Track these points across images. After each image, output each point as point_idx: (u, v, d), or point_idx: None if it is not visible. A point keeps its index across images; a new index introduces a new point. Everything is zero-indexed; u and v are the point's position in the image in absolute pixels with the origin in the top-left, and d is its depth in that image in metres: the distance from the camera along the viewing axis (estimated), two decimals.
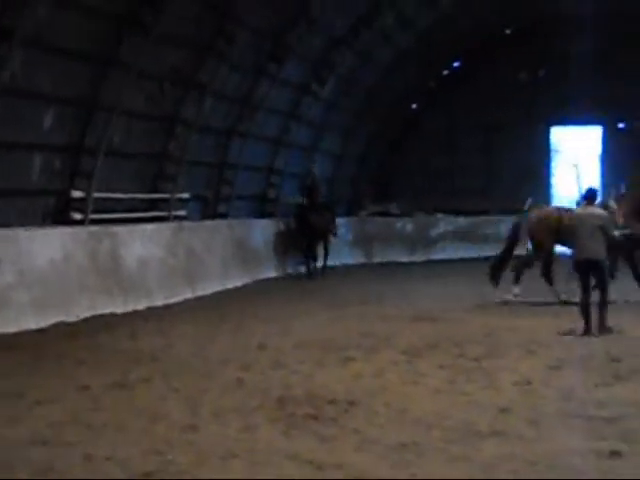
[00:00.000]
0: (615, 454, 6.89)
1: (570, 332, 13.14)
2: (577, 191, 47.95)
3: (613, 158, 34.67)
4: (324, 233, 25.02)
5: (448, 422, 8.07)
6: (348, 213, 30.79)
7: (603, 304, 13.23)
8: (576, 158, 51.36)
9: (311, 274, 24.03)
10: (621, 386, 9.53)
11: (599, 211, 13.77)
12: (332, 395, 9.12)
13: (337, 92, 27.07)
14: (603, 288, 13.27)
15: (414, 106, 35.13)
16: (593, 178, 36.92)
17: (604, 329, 13.09)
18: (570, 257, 14.50)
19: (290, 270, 24.25)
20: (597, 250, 13.16)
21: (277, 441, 7.54)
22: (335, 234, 25.67)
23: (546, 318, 14.97)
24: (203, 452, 7.19)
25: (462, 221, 32.15)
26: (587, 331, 13.06)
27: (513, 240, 18.42)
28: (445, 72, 35.03)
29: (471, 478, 6.45)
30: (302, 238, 24.50)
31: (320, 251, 25.04)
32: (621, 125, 34.64)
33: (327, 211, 25.54)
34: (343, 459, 6.97)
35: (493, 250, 31.08)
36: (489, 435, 7.62)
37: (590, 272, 13.32)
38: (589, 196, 13.76)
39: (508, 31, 33.54)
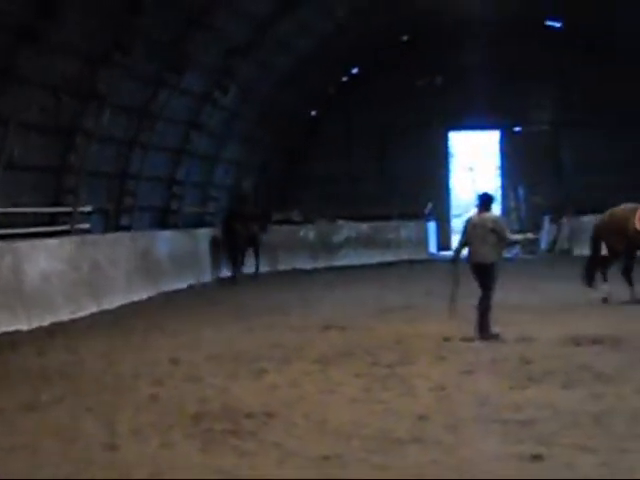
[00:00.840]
0: (537, 458, 6.97)
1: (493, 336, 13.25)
2: (474, 195, 48.53)
3: (510, 161, 35.38)
4: (250, 241, 26.13)
5: (367, 431, 8.07)
6: None
7: (487, 308, 13.39)
8: (472, 162, 52.28)
9: (235, 280, 24.97)
10: (535, 389, 9.67)
11: (492, 215, 13.96)
12: (249, 408, 9.04)
13: (238, 100, 27.03)
14: (489, 292, 13.45)
15: (313, 113, 35.26)
16: (491, 182, 37.62)
17: (487, 334, 13.20)
18: None
19: (194, 281, 24.04)
20: (486, 254, 13.38)
21: (197, 457, 7.45)
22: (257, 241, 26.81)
23: (451, 324, 15.06)
24: (125, 471, 7.06)
25: (364, 227, 32.35)
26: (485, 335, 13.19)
27: (596, 240, 18.57)
28: (344, 78, 35.26)
29: None
30: (228, 246, 25.58)
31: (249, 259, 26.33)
32: (518, 129, 35.34)
33: (256, 220, 26.50)
34: (266, 474, 6.92)
35: (395, 255, 31.68)
36: (409, 442, 7.64)
37: (481, 276, 13.51)
38: (484, 201, 13.84)
39: (405, 37, 33.89)
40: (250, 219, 26.03)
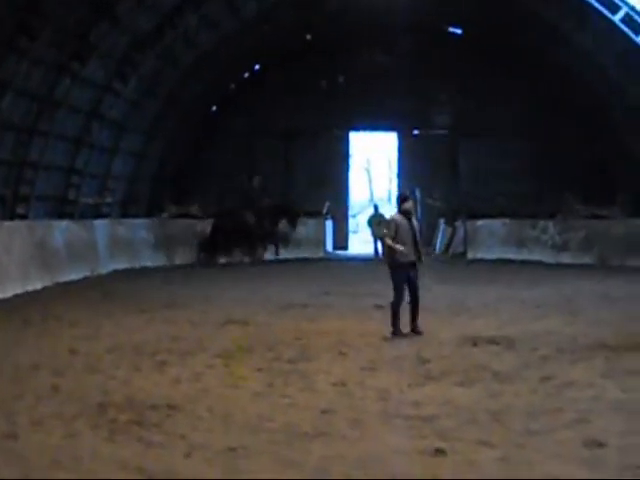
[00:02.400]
0: (439, 452, 7.17)
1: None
2: (369, 195, 49.21)
3: (407, 163, 35.90)
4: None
5: (272, 425, 8.16)
6: (149, 214, 30.49)
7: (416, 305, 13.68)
8: (370, 163, 52.80)
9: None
10: (433, 386, 9.88)
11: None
12: (152, 400, 9.03)
13: (140, 92, 26.80)
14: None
15: (214, 108, 35.16)
16: (388, 183, 37.99)
17: (417, 330, 13.49)
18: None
19: (90, 272, 23.78)
20: (412, 252, 13.63)
21: (102, 448, 7.42)
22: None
23: (351, 321, 15.27)
24: (27, 462, 7.00)
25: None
26: (397, 332, 13.45)
27: None
28: (245, 75, 35.26)
29: None
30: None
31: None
32: (416, 132, 35.87)
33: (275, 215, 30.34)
34: (172, 466, 6.94)
35: (293, 253, 31.85)
36: (314, 437, 7.75)
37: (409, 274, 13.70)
38: (403, 199, 14.04)
39: (309, 37, 34.06)
40: (268, 215, 29.65)
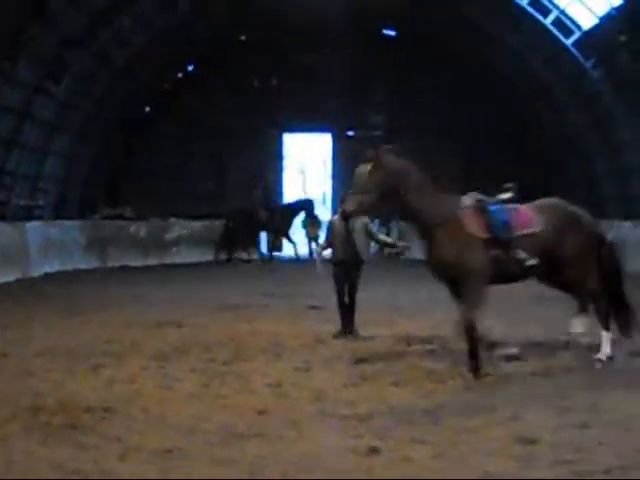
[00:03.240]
0: (374, 451, 7.23)
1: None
2: (304, 196, 49.07)
3: (342, 164, 35.97)
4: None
5: (208, 426, 8.15)
6: (81, 216, 30.19)
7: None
8: (304, 164, 52.76)
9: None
10: (368, 386, 9.95)
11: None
12: (87, 403, 8.95)
13: (72, 92, 26.51)
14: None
15: (148, 109, 34.94)
16: (322, 184, 38.09)
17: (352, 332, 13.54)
18: None
19: (21, 275, 23.49)
20: (350, 252, 13.68)
21: (36, 451, 7.35)
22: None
23: (287, 322, 15.29)
24: None
25: (196, 225, 32.32)
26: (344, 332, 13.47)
27: None
28: (180, 75, 35.08)
29: None
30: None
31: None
32: (351, 133, 36.00)
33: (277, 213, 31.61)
34: (108, 468, 6.90)
35: (225, 253, 31.74)
36: (250, 437, 7.77)
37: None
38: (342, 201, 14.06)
39: (243, 37, 34.01)
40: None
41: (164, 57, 31.07)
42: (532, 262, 10.75)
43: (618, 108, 27.44)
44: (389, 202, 11.17)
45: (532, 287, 21.15)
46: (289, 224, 32.36)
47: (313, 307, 16.97)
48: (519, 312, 16.58)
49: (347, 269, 13.71)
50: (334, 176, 37.12)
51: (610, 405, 8.86)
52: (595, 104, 29.11)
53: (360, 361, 11.45)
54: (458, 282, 10.65)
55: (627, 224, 27.84)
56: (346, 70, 34.15)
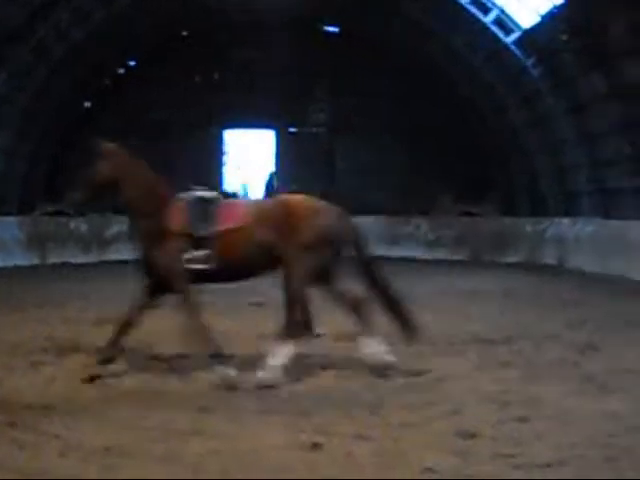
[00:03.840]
0: (316, 446, 7.24)
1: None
2: (244, 193, 49.30)
3: (284, 161, 36.02)
4: None
5: (148, 423, 8.09)
6: (20, 212, 29.81)
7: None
8: (245, 161, 52.77)
9: None
10: (311, 381, 9.97)
11: None
12: (27, 400, 8.85)
13: (10, 87, 26.15)
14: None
15: (88, 104, 34.60)
16: (264, 181, 38.03)
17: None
18: None
19: None
20: None
21: None
22: None
23: (228, 318, 15.21)
24: None
25: None
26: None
27: None
28: (120, 71, 34.79)
29: (181, 478, 6.53)
30: None
31: None
32: (293, 130, 36.01)
33: None
34: (48, 466, 6.82)
35: None
36: (191, 434, 7.71)
37: None
38: None
39: (185, 33, 33.84)
40: None
41: (104, 52, 30.79)
42: (200, 266, 10.34)
43: (557, 106, 27.78)
44: (110, 193, 10.99)
45: (469, 282, 21.57)
46: None
47: (255, 304, 16.93)
48: (457, 308, 16.70)
49: None
50: (276, 173, 37.09)
51: (549, 399, 8.98)
52: (535, 102, 29.45)
53: (303, 356, 11.43)
54: (162, 281, 10.42)
55: (566, 221, 28.24)
56: (288, 66, 34.17)
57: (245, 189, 34.72)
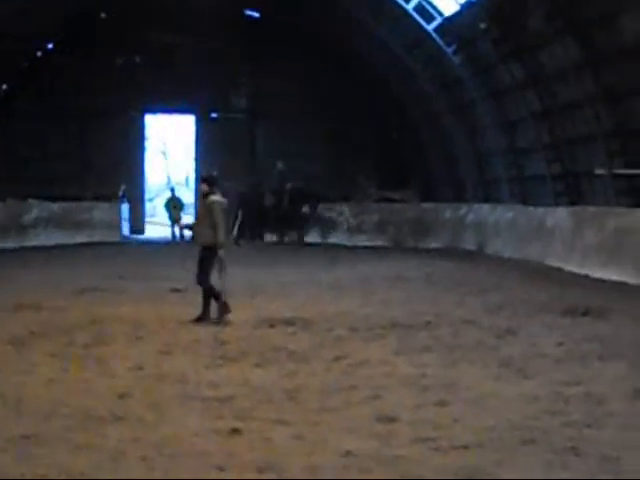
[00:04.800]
0: (235, 432, 7.23)
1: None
2: (166, 179, 48.85)
3: (205, 146, 35.80)
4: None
5: (67, 410, 7.99)
6: None
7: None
8: (166, 146, 52.19)
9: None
10: (230, 368, 9.94)
11: (219, 197, 14.02)
12: None
13: None
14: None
15: (5, 87, 33.93)
16: (185, 166, 37.80)
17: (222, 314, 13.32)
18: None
19: None
20: (209, 235, 13.52)
21: None
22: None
23: (148, 305, 15.13)
24: None
25: (56, 207, 31.62)
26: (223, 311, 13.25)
27: None
28: (39, 54, 34.18)
29: (100, 465, 6.46)
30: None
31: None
32: (214, 115, 35.82)
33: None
34: None
35: (88, 236, 31.24)
36: (110, 421, 7.65)
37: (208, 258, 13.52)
38: (211, 182, 13.88)
39: (104, 15, 33.36)
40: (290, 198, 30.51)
41: (22, 34, 30.19)
42: None
43: (477, 94, 28.08)
44: None
45: (391, 268, 21.73)
46: (297, 210, 31.63)
47: (174, 290, 16.83)
48: (378, 293, 16.82)
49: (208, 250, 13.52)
50: (197, 158, 36.89)
51: (468, 383, 9.09)
52: (455, 89, 29.73)
53: (223, 343, 11.43)
54: None
55: (485, 206, 28.58)
56: (210, 51, 33.96)
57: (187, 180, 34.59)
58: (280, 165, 31.63)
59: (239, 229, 30.95)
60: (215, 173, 14.86)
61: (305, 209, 31.79)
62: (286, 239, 31.64)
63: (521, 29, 23.18)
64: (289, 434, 7.24)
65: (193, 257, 14.02)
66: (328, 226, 32.09)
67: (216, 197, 13.63)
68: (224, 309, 13.23)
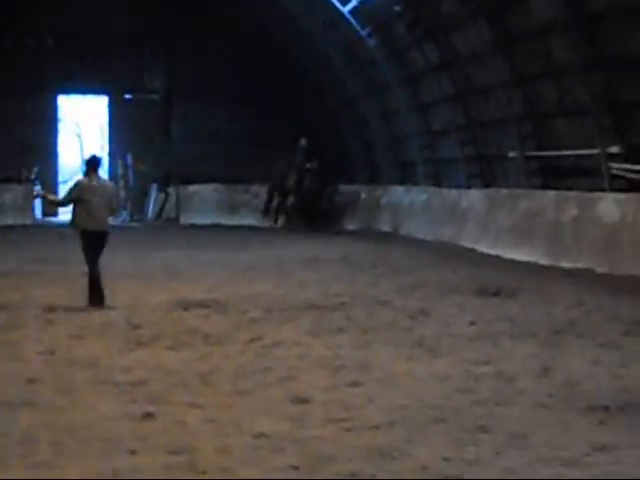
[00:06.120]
0: (148, 416, 7.17)
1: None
2: (81, 160, 48.31)
3: (119, 128, 35.36)
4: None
5: None
6: None
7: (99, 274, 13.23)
8: (80, 127, 51.51)
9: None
10: (144, 351, 9.87)
11: (109, 182, 13.81)
12: None
13: None
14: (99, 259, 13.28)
15: None
16: (99, 148, 37.38)
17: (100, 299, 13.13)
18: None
19: None
20: (106, 221, 13.34)
21: None
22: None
23: (60, 288, 14.92)
24: None
25: None
26: (96, 301, 13.00)
27: None
28: None
29: (9, 450, 6.36)
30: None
31: None
32: (128, 96, 35.39)
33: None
34: None
35: None
36: (20, 405, 7.52)
37: (99, 243, 13.28)
38: (93, 164, 13.49)
39: None
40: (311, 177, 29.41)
41: None
42: None
43: (392, 77, 28.22)
44: None
45: (307, 250, 21.79)
46: (319, 190, 30.53)
47: (86, 273, 16.61)
48: (293, 275, 16.87)
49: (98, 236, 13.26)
50: (111, 140, 36.45)
51: (381, 363, 9.18)
52: (370, 72, 29.83)
53: (136, 326, 11.33)
54: None
55: (400, 189, 28.80)
56: (124, 32, 33.54)
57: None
58: (303, 142, 30.53)
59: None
60: (98, 155, 14.43)
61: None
62: (279, 222, 31.02)
63: (435, 12, 23.33)
64: (202, 417, 7.21)
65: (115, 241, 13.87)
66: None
67: (95, 181, 13.30)
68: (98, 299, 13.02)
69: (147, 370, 8.91)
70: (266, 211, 30.92)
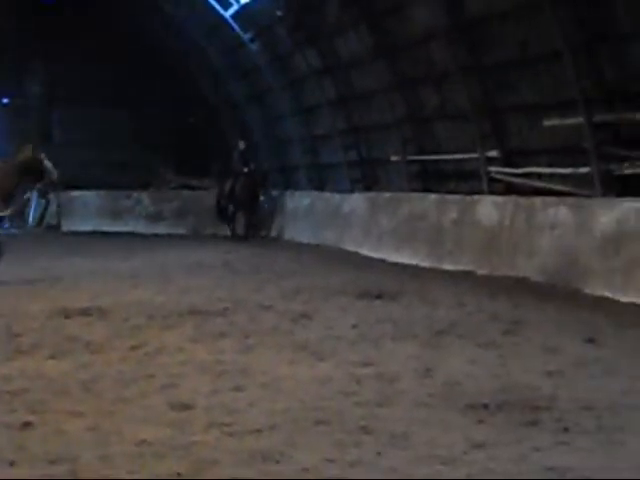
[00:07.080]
0: (27, 425, 7.06)
1: None
2: None
3: None
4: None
5: None
6: None
7: None
8: None
9: (233, 235, 27.93)
10: (23, 360, 9.69)
11: None
12: None
13: None
14: None
15: None
16: None
17: None
18: None
19: None
20: None
21: None
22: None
23: None
24: None
25: None
26: None
27: None
28: None
29: None
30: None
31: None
32: (5, 100, 34.70)
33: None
34: None
35: None
36: None
37: None
38: None
39: None
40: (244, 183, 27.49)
41: None
42: None
43: (275, 81, 28.31)
44: None
45: (189, 256, 21.69)
46: (253, 194, 28.01)
47: None
48: (175, 281, 16.79)
49: None
50: None
51: (263, 367, 9.20)
52: (254, 76, 29.87)
53: (15, 335, 11.12)
54: None
55: (284, 193, 28.91)
56: (2, 35, 32.81)
57: None
58: (241, 145, 28.76)
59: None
60: None
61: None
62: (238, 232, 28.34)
63: (317, 17, 23.51)
64: (84, 425, 7.13)
65: None
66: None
67: None
68: None
69: (27, 379, 8.75)
70: (221, 219, 29.33)
